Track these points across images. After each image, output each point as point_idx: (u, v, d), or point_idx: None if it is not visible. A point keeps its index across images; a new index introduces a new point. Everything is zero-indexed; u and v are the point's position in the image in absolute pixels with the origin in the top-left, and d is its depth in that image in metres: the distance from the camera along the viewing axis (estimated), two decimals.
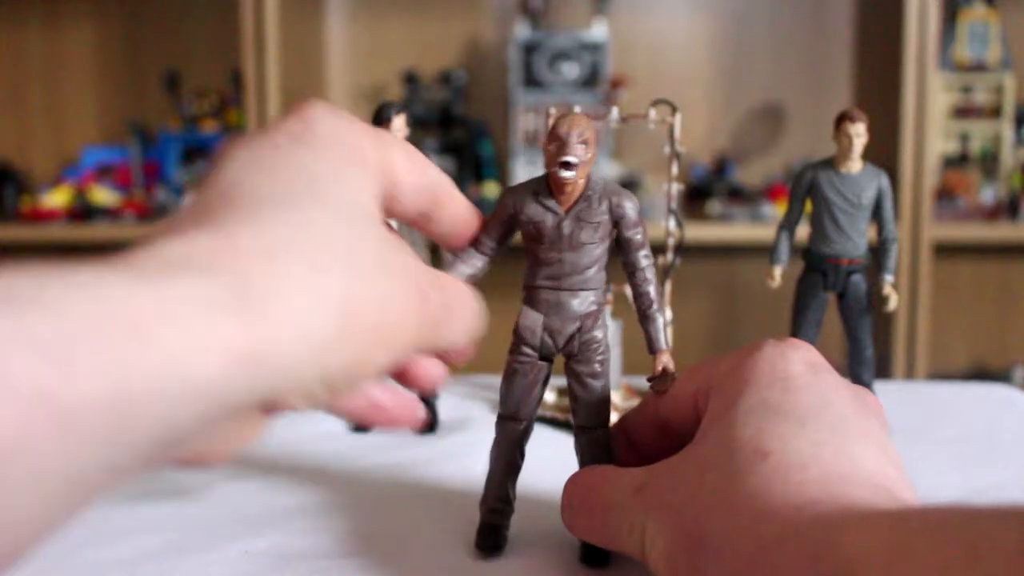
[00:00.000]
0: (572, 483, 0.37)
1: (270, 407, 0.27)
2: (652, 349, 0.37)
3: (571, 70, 1.67)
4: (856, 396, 0.34)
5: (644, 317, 0.37)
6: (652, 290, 0.37)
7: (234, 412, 0.25)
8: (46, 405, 0.20)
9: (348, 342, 0.27)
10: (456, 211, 0.36)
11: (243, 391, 0.24)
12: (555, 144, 0.35)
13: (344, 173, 0.30)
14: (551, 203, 0.36)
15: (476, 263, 0.37)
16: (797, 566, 0.25)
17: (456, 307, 0.33)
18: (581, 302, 0.37)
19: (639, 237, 0.37)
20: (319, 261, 0.27)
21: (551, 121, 0.37)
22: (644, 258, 0.37)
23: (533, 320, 0.37)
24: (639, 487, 0.33)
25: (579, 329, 0.37)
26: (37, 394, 0.19)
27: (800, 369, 0.33)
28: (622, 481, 0.34)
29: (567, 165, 0.35)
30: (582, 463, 0.38)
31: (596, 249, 0.36)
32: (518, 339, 0.37)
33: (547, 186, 0.36)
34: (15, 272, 0.21)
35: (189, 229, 0.26)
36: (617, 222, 0.36)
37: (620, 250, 0.37)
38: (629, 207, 0.36)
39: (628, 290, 0.38)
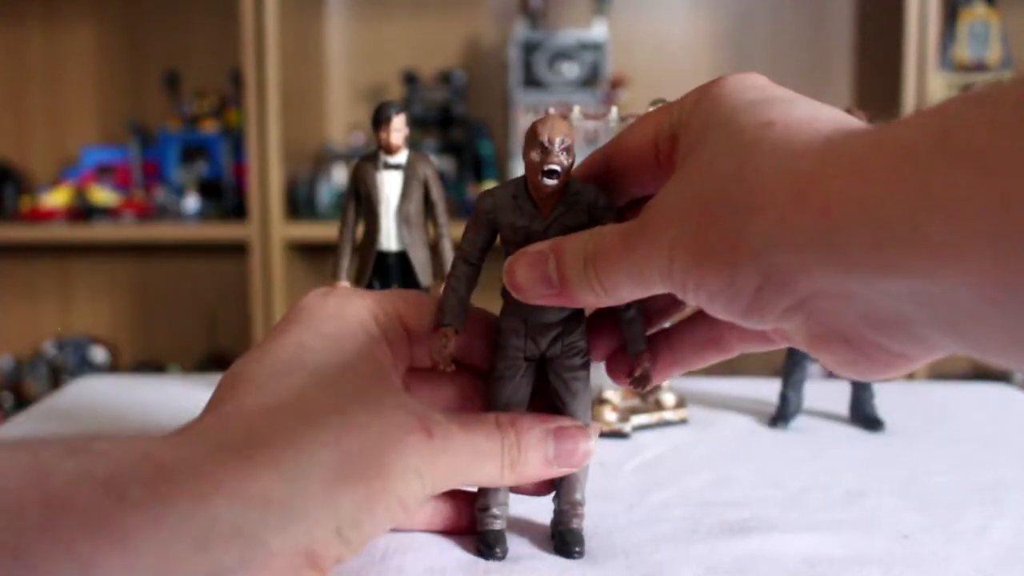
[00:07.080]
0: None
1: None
2: (634, 350, 0.36)
3: (571, 70, 1.67)
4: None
5: (630, 320, 0.36)
6: None
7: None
8: None
9: (348, 482, 0.30)
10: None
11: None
12: (537, 151, 0.33)
13: (334, 342, 0.34)
14: (531, 208, 0.34)
15: (470, 275, 0.36)
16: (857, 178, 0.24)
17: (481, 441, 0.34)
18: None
19: None
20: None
21: (530, 126, 0.35)
22: None
23: (516, 323, 0.36)
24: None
25: (560, 332, 0.36)
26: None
27: (768, 81, 0.31)
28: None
29: (551, 174, 0.33)
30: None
31: None
32: (503, 342, 0.36)
33: (525, 190, 0.35)
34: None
35: (205, 414, 0.32)
36: (596, 222, 0.34)
37: None
38: (607, 207, 0.35)
39: None
